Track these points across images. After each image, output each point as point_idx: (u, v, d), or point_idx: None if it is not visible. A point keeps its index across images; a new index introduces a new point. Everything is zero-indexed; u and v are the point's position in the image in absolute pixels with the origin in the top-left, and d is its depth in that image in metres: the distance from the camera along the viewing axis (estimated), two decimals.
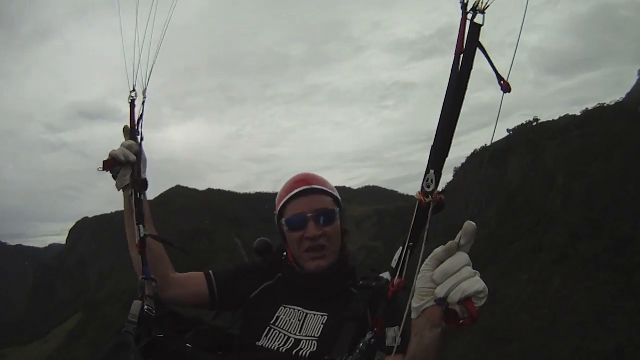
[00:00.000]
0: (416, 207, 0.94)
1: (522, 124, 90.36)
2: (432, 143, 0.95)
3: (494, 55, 0.92)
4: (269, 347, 1.40)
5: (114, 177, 1.58)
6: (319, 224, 1.50)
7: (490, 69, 0.94)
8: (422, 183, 0.93)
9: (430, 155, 0.95)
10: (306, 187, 1.54)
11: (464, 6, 0.90)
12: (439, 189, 0.94)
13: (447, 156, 0.95)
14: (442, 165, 0.94)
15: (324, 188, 1.58)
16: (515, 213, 70.89)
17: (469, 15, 0.90)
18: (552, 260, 55.35)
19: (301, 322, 1.46)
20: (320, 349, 1.36)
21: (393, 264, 0.99)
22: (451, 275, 0.88)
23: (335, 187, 1.66)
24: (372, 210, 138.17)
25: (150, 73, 1.63)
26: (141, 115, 1.65)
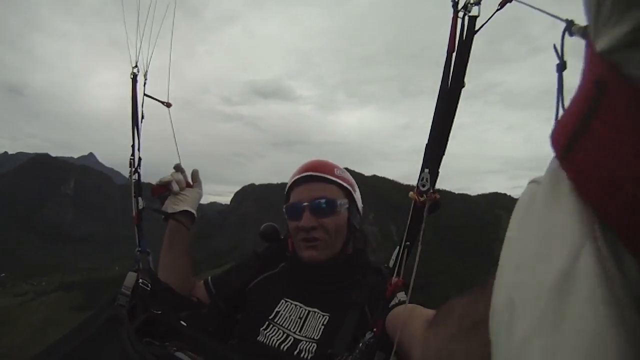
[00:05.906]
0: (412, 206, 0.94)
1: None
2: (427, 140, 0.93)
3: None
4: (268, 344, 1.32)
5: (162, 203, 1.61)
6: (314, 215, 1.40)
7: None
8: (417, 182, 0.93)
9: (425, 154, 0.94)
10: (307, 174, 1.44)
11: (455, 4, 0.87)
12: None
13: (443, 154, 0.93)
14: (439, 164, 0.93)
15: (327, 176, 1.44)
16: None
17: (462, 13, 0.87)
18: None
19: (302, 320, 1.36)
20: (319, 352, 1.26)
21: (390, 264, 1.02)
22: None
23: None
24: None
25: (151, 55, 1.57)
26: (142, 98, 1.61)
